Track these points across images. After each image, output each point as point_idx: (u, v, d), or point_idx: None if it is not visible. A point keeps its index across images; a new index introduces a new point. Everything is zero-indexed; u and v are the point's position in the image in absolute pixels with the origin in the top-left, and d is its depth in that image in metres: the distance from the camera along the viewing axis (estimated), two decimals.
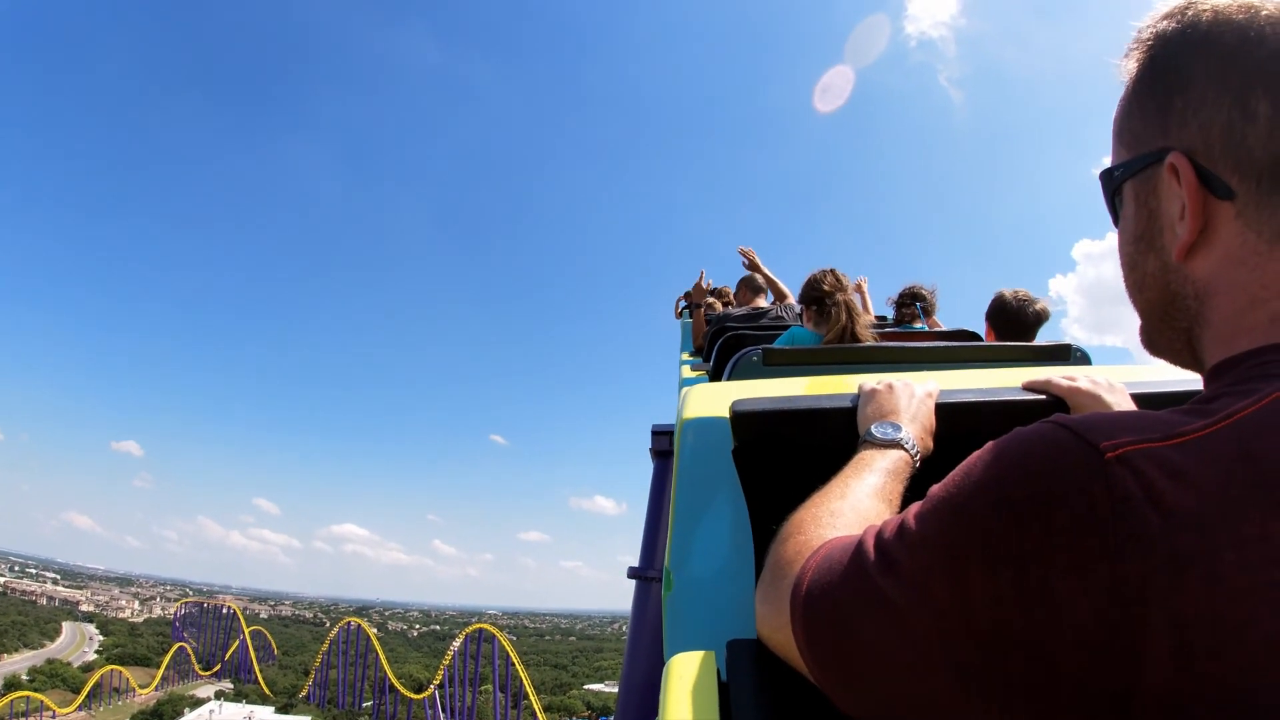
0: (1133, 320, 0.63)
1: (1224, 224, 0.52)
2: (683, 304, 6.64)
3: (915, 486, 0.73)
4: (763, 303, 4.86)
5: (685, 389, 1.16)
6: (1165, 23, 0.56)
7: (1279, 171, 0.50)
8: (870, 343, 2.72)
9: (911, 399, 0.87)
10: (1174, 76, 0.54)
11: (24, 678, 59.03)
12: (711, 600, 0.84)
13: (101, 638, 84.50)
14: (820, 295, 2.85)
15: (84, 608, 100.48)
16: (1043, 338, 3.18)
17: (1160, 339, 0.61)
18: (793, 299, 4.49)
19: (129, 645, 79.33)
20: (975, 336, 3.30)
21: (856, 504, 0.68)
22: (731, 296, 5.59)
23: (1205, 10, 0.53)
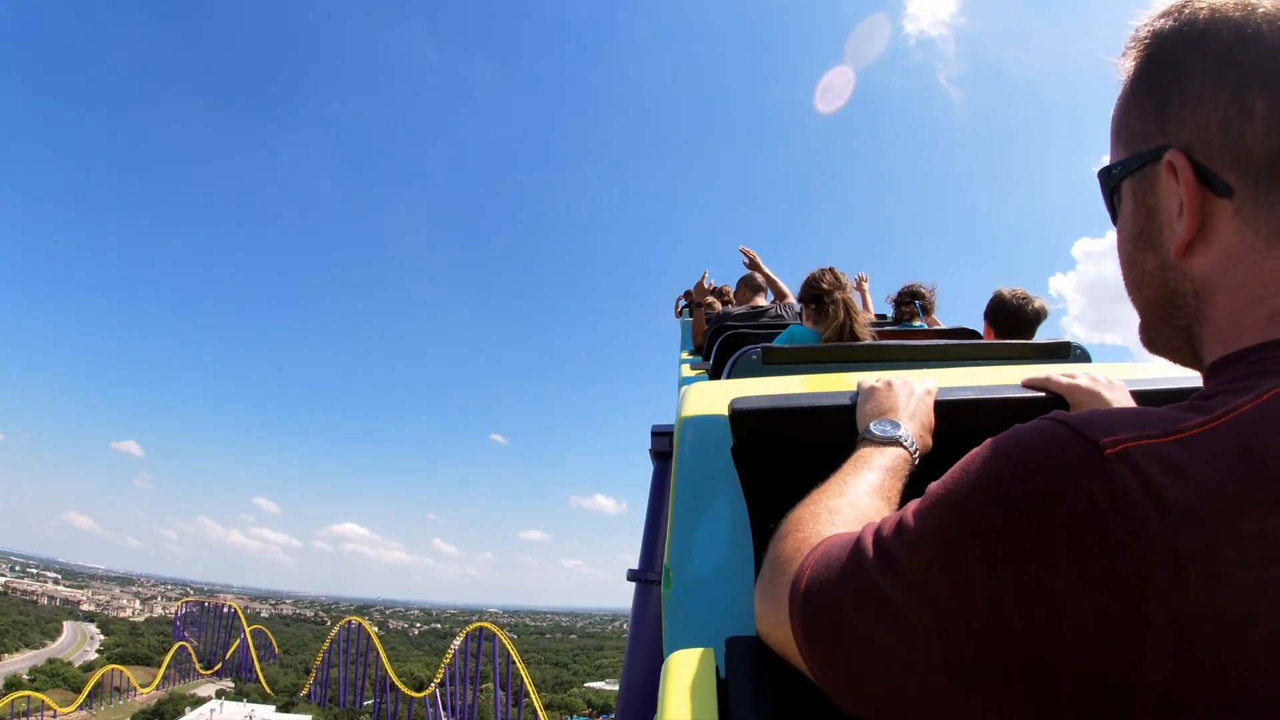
0: (1133, 318, 0.63)
1: (1222, 221, 0.52)
2: (682, 303, 6.63)
3: (914, 484, 0.73)
4: (762, 301, 4.85)
5: (684, 387, 1.16)
6: (1162, 21, 0.56)
7: (1276, 169, 0.50)
8: (869, 341, 2.73)
9: (910, 397, 0.87)
10: (1171, 74, 0.54)
11: (25, 677, 59.08)
12: (711, 598, 0.84)
13: (102, 637, 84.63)
14: (819, 293, 2.85)
15: (85, 607, 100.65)
16: (1042, 335, 3.18)
17: (1159, 337, 0.60)
18: (792, 298, 4.48)
19: (130, 645, 79.42)
20: (974, 335, 3.30)
21: (855, 501, 0.68)
22: (731, 295, 5.59)
23: (1202, 8, 0.53)
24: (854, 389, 0.94)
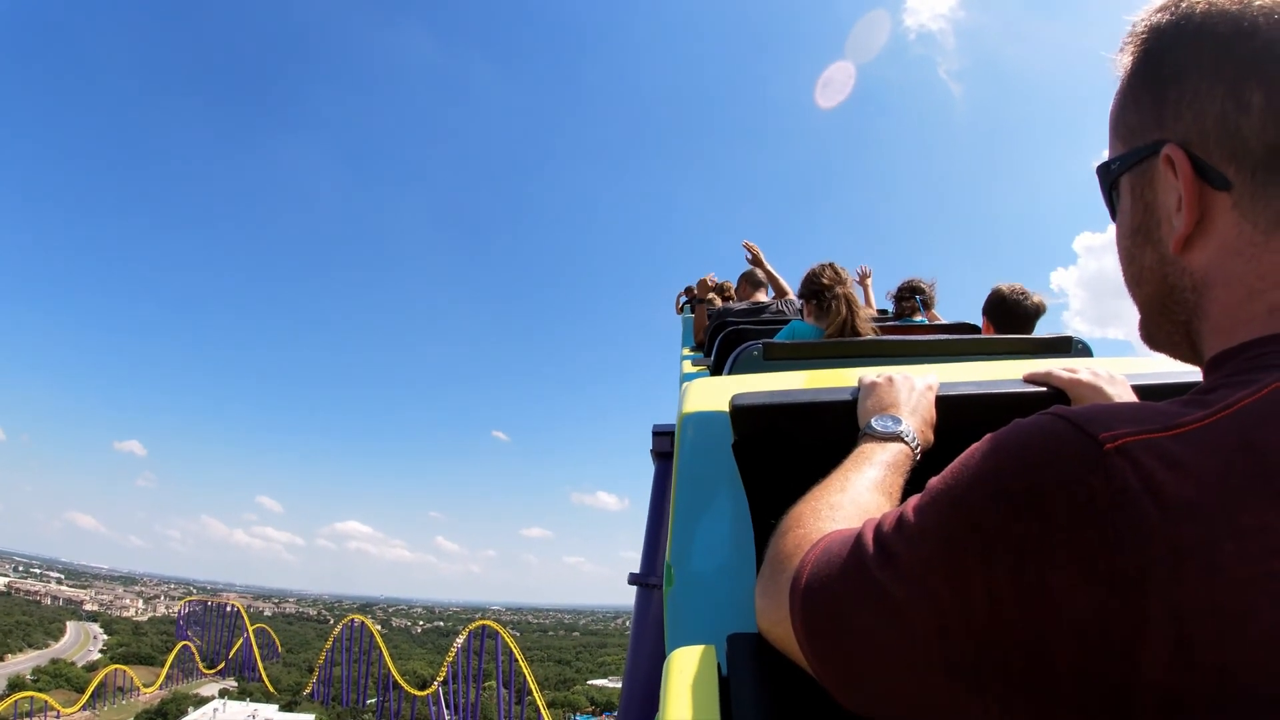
0: (1134, 313, 0.63)
1: (1220, 215, 0.52)
2: (683, 299, 6.62)
3: (916, 479, 0.73)
4: (763, 297, 4.85)
5: (686, 384, 1.16)
6: (1159, 16, 0.56)
7: (1274, 162, 0.50)
8: (870, 336, 2.72)
9: (912, 392, 0.87)
10: (1168, 69, 0.54)
11: (28, 678, 59.27)
12: (712, 594, 0.84)
13: (106, 637, 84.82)
14: (820, 289, 2.85)
15: (88, 607, 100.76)
16: (1043, 330, 3.18)
17: (1159, 333, 0.60)
18: (792, 295, 4.48)
19: (133, 644, 79.59)
20: (975, 330, 3.29)
21: (856, 497, 0.68)
22: (732, 291, 5.58)
23: (1199, 3, 0.53)
24: (855, 385, 0.94)
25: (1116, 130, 0.60)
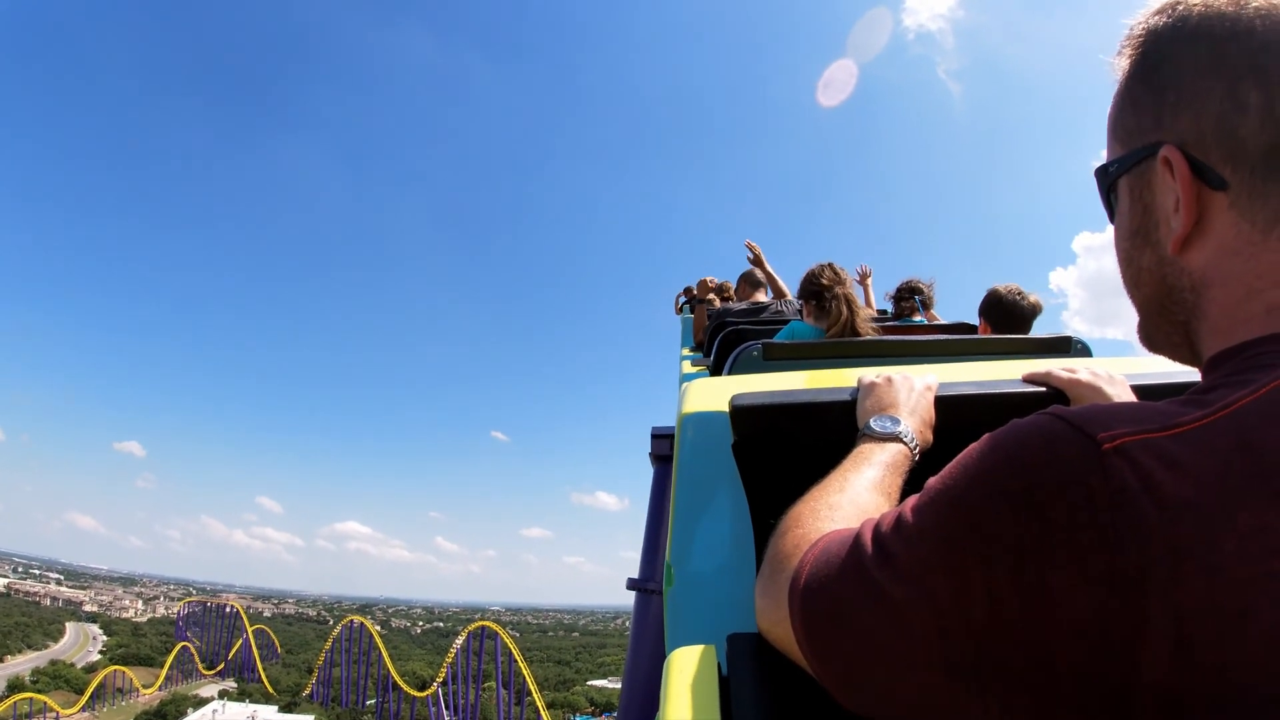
0: (1133, 312, 0.63)
1: (1218, 215, 0.52)
2: (683, 299, 6.62)
3: (914, 480, 0.73)
4: (763, 297, 4.85)
5: (685, 384, 1.16)
6: (1156, 18, 0.56)
7: (1271, 161, 0.50)
8: (870, 336, 2.72)
9: (911, 392, 0.87)
10: (1166, 70, 0.54)
11: (27, 679, 59.16)
12: (712, 594, 0.84)
13: (105, 638, 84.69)
14: (819, 289, 2.84)
15: (87, 608, 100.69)
16: (1042, 329, 3.18)
17: (1158, 334, 0.60)
18: (791, 296, 4.48)
19: (132, 645, 79.48)
20: (974, 330, 3.29)
21: (855, 497, 0.68)
22: (732, 291, 5.58)
23: (1195, 5, 0.53)
24: (854, 385, 0.94)
25: (1114, 133, 0.60)
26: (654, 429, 3.65)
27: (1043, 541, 0.41)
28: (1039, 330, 3.16)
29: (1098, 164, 0.62)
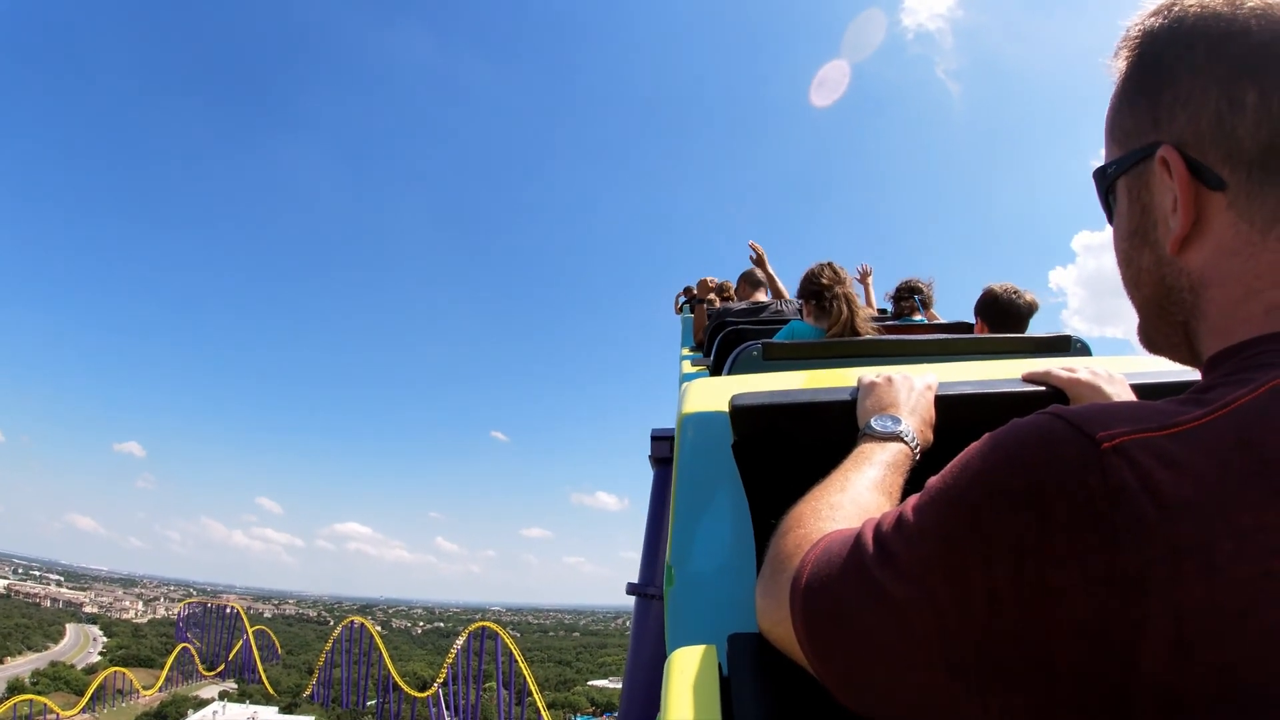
0: (1133, 312, 0.63)
1: (1216, 215, 0.52)
2: (683, 299, 6.62)
3: (915, 479, 0.73)
4: (763, 297, 4.85)
5: (685, 384, 1.16)
6: (1153, 19, 0.56)
7: (1269, 161, 0.50)
8: (870, 336, 2.72)
9: (911, 392, 0.87)
10: (1162, 71, 0.55)
11: (27, 680, 59.15)
12: (713, 594, 0.84)
13: (105, 639, 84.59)
14: (819, 289, 2.84)
15: (87, 609, 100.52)
16: (1042, 329, 3.17)
17: (1158, 335, 0.61)
18: (790, 297, 4.48)
19: (133, 646, 79.41)
20: (973, 329, 3.29)
21: (856, 497, 0.68)
22: (731, 291, 5.58)
23: (1191, 5, 0.54)
24: (854, 384, 0.94)
25: (1112, 134, 0.60)
26: (653, 431, 3.63)
27: (1043, 541, 0.41)
28: (1036, 329, 3.16)
29: (1096, 164, 0.63)
